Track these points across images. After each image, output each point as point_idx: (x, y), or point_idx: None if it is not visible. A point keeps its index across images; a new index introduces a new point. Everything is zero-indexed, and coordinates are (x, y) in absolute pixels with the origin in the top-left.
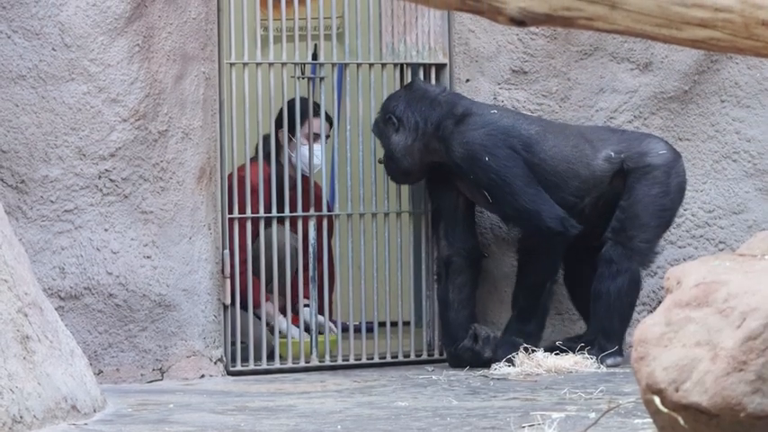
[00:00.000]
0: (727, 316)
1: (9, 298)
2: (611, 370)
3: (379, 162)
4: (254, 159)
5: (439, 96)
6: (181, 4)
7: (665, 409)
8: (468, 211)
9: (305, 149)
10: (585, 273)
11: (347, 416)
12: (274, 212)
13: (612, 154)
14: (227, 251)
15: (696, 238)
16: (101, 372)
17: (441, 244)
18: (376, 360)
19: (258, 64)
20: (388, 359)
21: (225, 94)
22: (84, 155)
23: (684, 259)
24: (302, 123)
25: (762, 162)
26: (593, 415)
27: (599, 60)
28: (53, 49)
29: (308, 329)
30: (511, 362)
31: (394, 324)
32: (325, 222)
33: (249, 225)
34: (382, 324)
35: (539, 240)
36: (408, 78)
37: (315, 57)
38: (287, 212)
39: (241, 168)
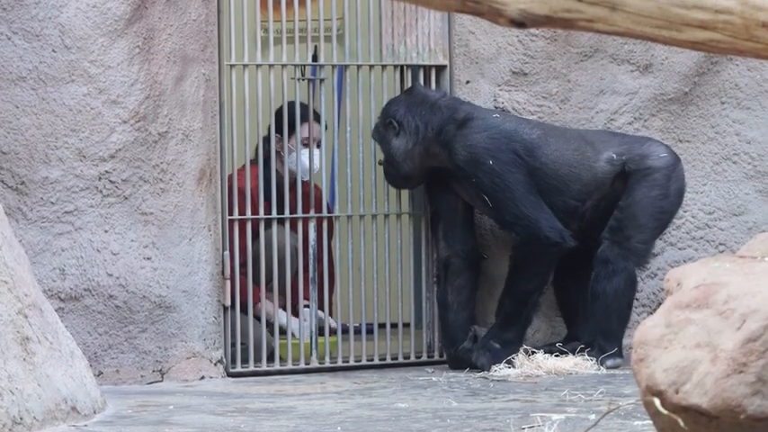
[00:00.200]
0: (727, 318)
1: (9, 299)
2: (611, 371)
3: (380, 163)
4: (253, 162)
5: (439, 101)
6: (181, 6)
7: (665, 411)
8: (467, 213)
9: (299, 154)
10: (574, 278)
11: (347, 417)
12: (274, 214)
13: (614, 156)
14: (227, 253)
15: (696, 240)
16: (101, 373)
17: (440, 246)
18: (376, 361)
19: (258, 65)
20: (388, 361)
21: (225, 96)
22: (85, 156)
23: (684, 261)
24: (296, 129)
25: (762, 164)
26: (593, 416)
27: (599, 62)
28: (53, 51)
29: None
30: (510, 363)
31: (394, 325)
32: (325, 224)
33: (249, 226)
34: (382, 325)
35: (534, 249)
36: (408, 79)
37: (315, 58)
38: (287, 214)
39: (241, 170)
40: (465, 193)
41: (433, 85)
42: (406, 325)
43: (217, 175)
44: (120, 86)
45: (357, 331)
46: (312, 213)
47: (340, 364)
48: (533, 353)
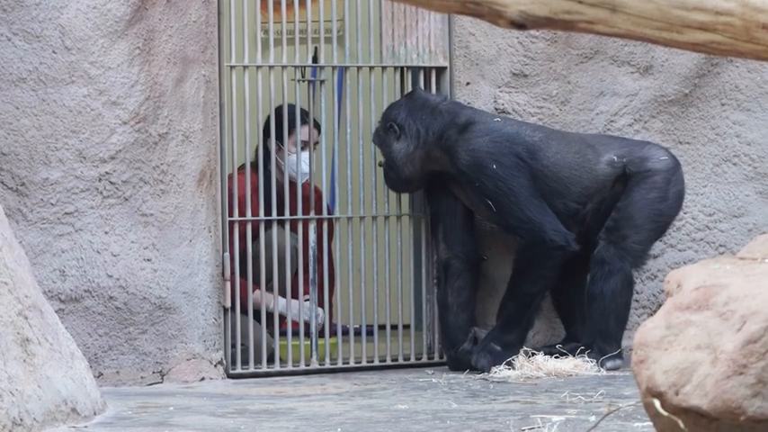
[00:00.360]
0: (727, 319)
1: (9, 301)
2: (611, 373)
3: (380, 165)
4: (253, 164)
5: (440, 105)
6: (181, 7)
7: (665, 413)
8: (466, 215)
9: (293, 157)
10: (570, 279)
11: (347, 419)
12: (274, 215)
13: (615, 158)
14: (227, 254)
15: (696, 242)
16: (101, 374)
17: (439, 247)
18: (376, 363)
19: (258, 67)
20: (388, 362)
21: (225, 97)
22: (85, 157)
23: (685, 262)
24: (291, 131)
25: (762, 165)
26: (593, 418)
27: (599, 64)
28: (53, 52)
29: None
30: (510, 365)
31: (394, 327)
32: (325, 225)
33: (249, 228)
34: (382, 327)
35: (538, 252)
36: (408, 81)
37: (315, 60)
38: (287, 215)
39: (241, 170)
40: (466, 197)
41: (434, 87)
42: (406, 326)
43: (217, 177)
44: (121, 88)
45: (357, 333)
46: (312, 215)
47: (340, 365)
48: (533, 354)
